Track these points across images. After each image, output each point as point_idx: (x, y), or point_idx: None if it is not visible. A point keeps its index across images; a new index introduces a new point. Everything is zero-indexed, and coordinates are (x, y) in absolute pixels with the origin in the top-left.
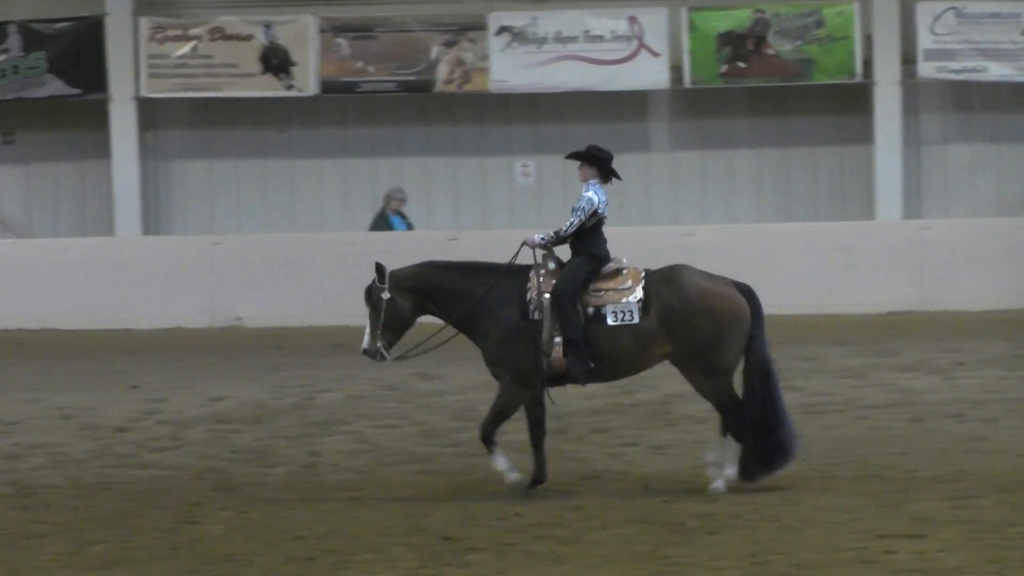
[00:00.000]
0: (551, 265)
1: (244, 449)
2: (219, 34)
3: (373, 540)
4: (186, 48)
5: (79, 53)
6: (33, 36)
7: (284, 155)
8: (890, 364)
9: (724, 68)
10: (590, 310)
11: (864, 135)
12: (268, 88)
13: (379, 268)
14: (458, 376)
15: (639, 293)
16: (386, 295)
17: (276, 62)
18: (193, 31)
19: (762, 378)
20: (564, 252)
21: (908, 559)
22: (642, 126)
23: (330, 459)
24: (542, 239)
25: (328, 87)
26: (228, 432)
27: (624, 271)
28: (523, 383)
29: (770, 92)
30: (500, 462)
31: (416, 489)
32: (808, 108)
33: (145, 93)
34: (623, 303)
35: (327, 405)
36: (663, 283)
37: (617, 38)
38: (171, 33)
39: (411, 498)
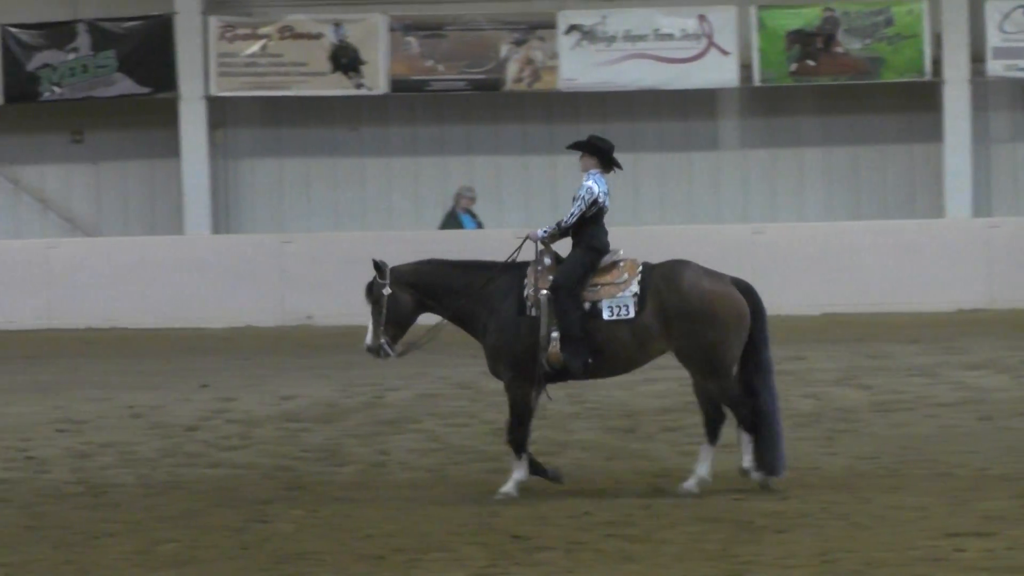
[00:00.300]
0: (547, 261)
1: (314, 448)
2: (288, 33)
3: (443, 539)
4: (256, 47)
5: (149, 52)
6: (102, 35)
7: (354, 154)
8: (959, 362)
9: (793, 66)
10: (586, 305)
11: (933, 133)
12: (338, 87)
13: (378, 265)
14: None
15: (635, 287)
16: (387, 291)
17: (346, 61)
18: (263, 30)
19: (761, 379)
20: (564, 246)
21: (978, 557)
22: (711, 124)
23: (400, 458)
24: (544, 232)
25: (398, 86)
26: (298, 431)
27: (620, 264)
28: (524, 378)
29: (839, 90)
30: (520, 473)
31: (486, 487)
32: (877, 106)
33: (215, 92)
34: (618, 297)
35: (397, 403)
36: (662, 280)
37: (686, 36)
38: (240, 32)
39: (481, 497)
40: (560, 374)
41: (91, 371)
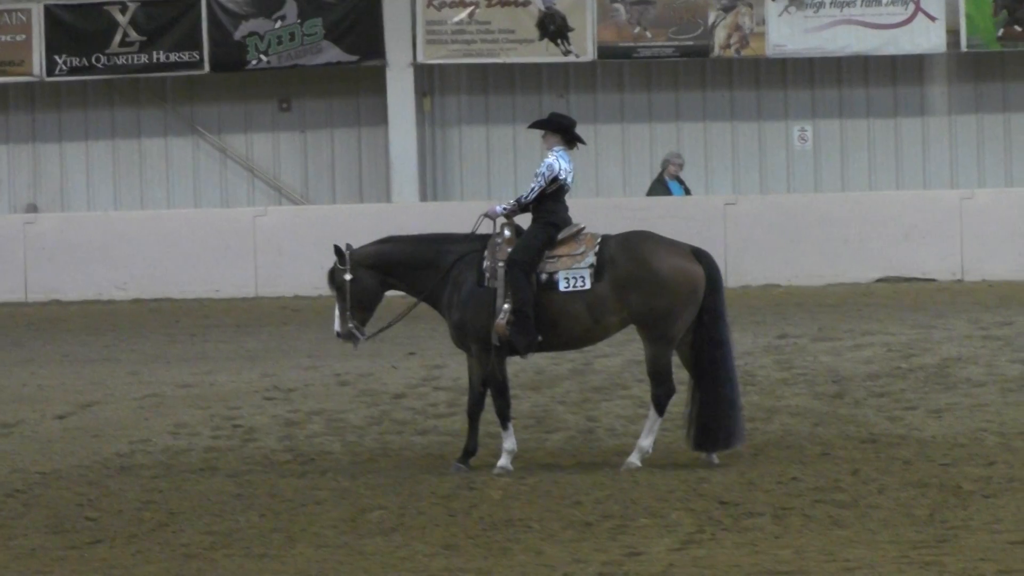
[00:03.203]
0: (507, 233)
1: (523, 415)
2: (496, 0)
3: (651, 505)
4: (463, 14)
5: (356, 20)
6: (310, 3)
7: None
8: None
9: (1001, 31)
10: (543, 276)
11: None
12: (545, 54)
13: (338, 250)
14: (739, 341)
15: (591, 259)
16: (348, 276)
17: (553, 28)
18: None
19: (714, 352)
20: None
21: None
22: (919, 90)
23: (609, 424)
24: (503, 209)
25: (605, 52)
26: None
27: (580, 236)
28: (490, 349)
29: None
30: (509, 443)
31: (694, 454)
32: None
33: (422, 59)
34: (575, 269)
35: (606, 370)
36: (619, 250)
37: (894, 2)
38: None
39: (689, 463)
40: (510, 348)
41: (298, 339)
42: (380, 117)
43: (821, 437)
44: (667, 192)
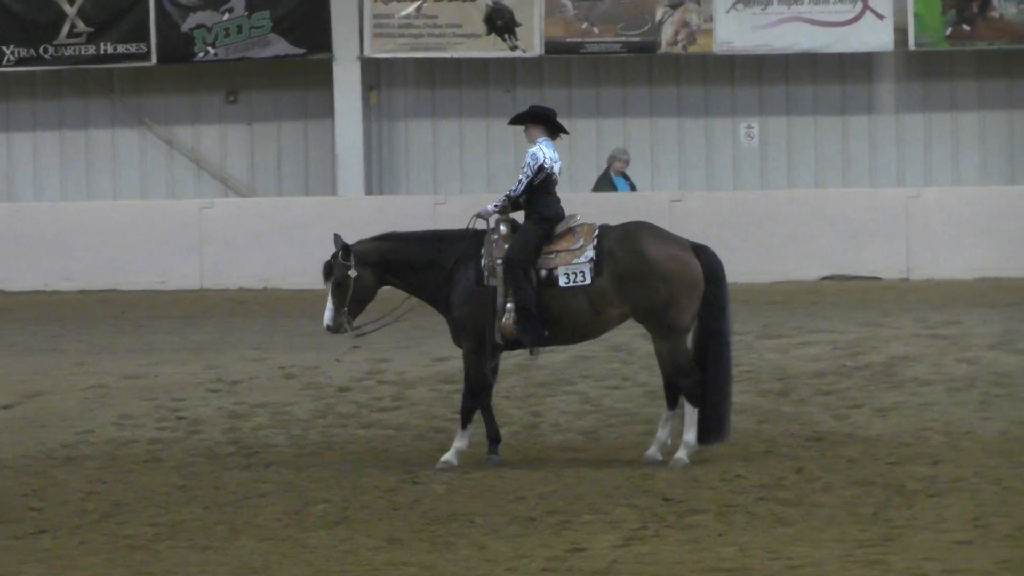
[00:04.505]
0: (503, 229)
1: None
2: None
3: (595, 501)
4: (411, 8)
5: (303, 13)
6: None
7: (508, 115)
8: None
9: (949, 30)
10: (543, 273)
11: None
12: (493, 49)
13: (344, 246)
14: None
15: (590, 252)
16: (352, 273)
17: (501, 23)
18: None
19: (715, 347)
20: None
21: None
22: (867, 88)
23: (553, 420)
24: (495, 206)
25: (552, 48)
26: (452, 392)
27: (576, 229)
28: (482, 350)
29: (996, 54)
30: (462, 443)
31: (640, 450)
32: None
33: (369, 53)
34: (574, 264)
35: (551, 366)
36: (617, 243)
37: (842, 0)
38: None
39: (634, 459)
40: (514, 343)
41: (244, 332)
42: (327, 110)
43: (766, 435)
44: (613, 188)
